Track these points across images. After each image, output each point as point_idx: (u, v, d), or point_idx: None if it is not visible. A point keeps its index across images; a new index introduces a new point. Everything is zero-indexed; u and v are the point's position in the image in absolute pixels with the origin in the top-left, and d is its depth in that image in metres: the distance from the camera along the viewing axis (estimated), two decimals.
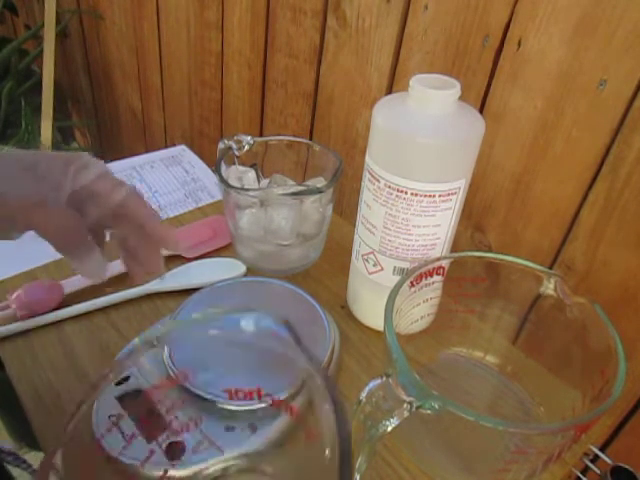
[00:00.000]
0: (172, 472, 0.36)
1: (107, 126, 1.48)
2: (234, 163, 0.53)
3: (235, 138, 0.53)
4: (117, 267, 0.54)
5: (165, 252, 0.39)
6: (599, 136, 0.46)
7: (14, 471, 0.52)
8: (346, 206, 0.73)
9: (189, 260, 0.55)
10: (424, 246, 0.44)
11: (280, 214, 0.51)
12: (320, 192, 0.49)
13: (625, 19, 0.42)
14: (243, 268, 0.54)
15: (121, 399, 0.40)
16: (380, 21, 0.60)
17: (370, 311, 0.51)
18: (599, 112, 0.45)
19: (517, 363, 0.46)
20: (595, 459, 0.43)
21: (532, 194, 0.52)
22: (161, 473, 0.36)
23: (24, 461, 0.37)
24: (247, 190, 0.51)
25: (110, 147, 1.52)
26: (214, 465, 0.35)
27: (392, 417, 0.31)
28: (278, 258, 0.54)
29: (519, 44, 0.48)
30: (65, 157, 0.33)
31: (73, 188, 0.32)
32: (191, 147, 0.99)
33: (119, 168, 0.95)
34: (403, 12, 0.57)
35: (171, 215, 0.67)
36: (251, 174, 0.54)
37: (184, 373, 0.35)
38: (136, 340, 0.31)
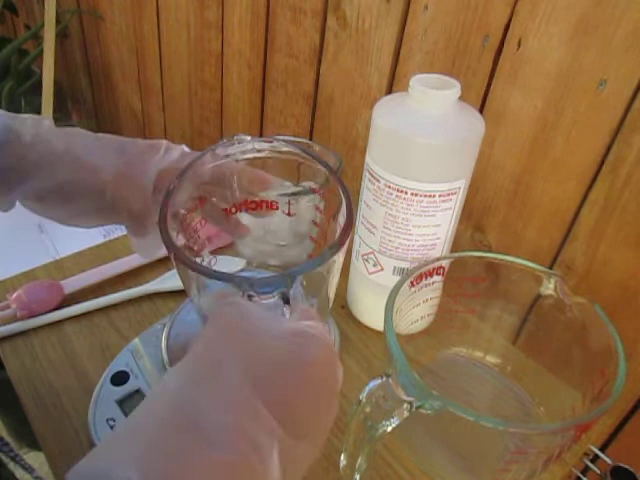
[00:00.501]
0: None
1: (107, 126, 1.48)
2: None
3: (235, 138, 0.53)
4: (118, 267, 0.54)
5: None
6: (599, 136, 0.46)
7: (16, 471, 0.51)
8: None
9: None
10: (424, 246, 0.44)
11: (278, 215, 0.51)
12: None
13: (625, 19, 0.42)
14: (244, 263, 0.54)
15: (121, 403, 0.40)
16: (380, 21, 0.60)
17: (370, 311, 0.51)
18: (599, 112, 0.45)
19: (517, 363, 0.46)
20: (595, 459, 0.43)
21: (532, 194, 0.52)
22: None
23: (6, 443, 0.37)
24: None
25: None
26: None
27: (392, 417, 0.31)
28: (277, 257, 0.54)
29: (519, 44, 0.48)
30: (148, 142, 0.37)
31: (162, 166, 0.36)
32: (191, 147, 0.99)
33: None
34: (403, 12, 0.57)
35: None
36: None
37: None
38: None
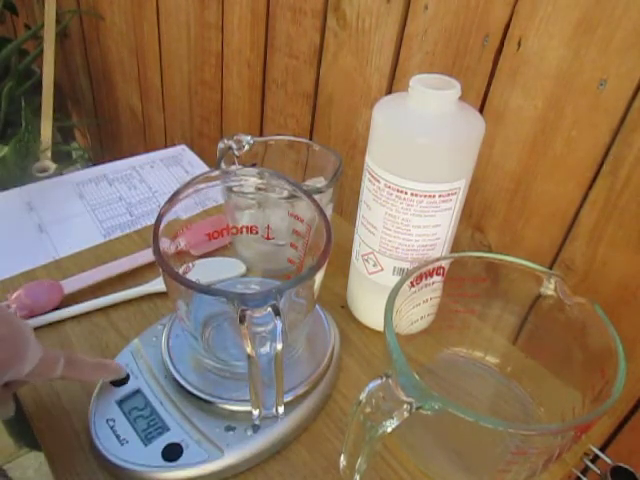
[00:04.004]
0: (169, 474, 0.36)
1: (107, 126, 1.48)
2: (234, 163, 0.53)
3: (235, 138, 0.53)
4: (118, 267, 0.54)
5: (172, 249, 0.41)
6: (599, 136, 0.46)
7: (13, 472, 0.51)
8: (346, 206, 0.73)
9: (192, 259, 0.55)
10: (424, 246, 0.44)
11: (278, 215, 0.51)
12: (320, 192, 0.48)
13: (625, 19, 0.42)
14: (243, 268, 0.54)
15: (120, 403, 0.40)
16: (380, 21, 0.60)
17: (370, 311, 0.51)
18: (599, 112, 0.45)
19: (517, 363, 0.46)
20: (595, 459, 0.43)
21: (532, 194, 0.52)
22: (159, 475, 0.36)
23: None
24: (245, 193, 0.51)
25: (110, 147, 1.52)
26: None
27: (392, 418, 0.31)
28: (276, 258, 0.54)
29: (519, 44, 0.48)
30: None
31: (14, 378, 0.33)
32: (191, 147, 1.00)
33: (119, 168, 0.95)
34: (403, 12, 0.57)
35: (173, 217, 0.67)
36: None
37: None
38: None
